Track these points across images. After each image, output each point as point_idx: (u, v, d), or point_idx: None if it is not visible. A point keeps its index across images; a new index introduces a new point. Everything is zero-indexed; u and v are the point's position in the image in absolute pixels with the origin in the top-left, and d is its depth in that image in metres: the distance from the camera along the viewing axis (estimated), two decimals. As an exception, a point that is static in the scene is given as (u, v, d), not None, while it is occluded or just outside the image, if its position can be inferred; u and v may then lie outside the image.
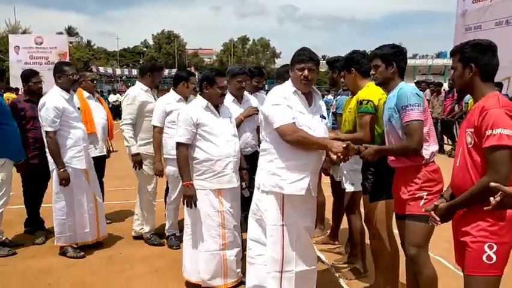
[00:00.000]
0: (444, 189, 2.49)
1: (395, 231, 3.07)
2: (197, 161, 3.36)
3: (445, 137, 11.41)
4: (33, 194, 4.68)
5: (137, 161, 4.40)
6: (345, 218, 4.10)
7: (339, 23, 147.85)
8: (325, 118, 3.01)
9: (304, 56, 2.85)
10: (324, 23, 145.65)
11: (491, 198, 1.83)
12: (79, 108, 4.35)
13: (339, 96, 4.11)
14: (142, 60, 58.39)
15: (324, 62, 5.52)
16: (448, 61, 38.60)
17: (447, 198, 2.32)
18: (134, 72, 33.14)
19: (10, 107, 4.42)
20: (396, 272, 3.18)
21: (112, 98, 21.82)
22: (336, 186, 4.17)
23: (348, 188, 3.66)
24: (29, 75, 4.64)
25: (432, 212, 2.27)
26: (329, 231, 4.69)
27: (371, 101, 3.11)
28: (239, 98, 4.07)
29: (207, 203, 3.35)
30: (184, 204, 3.38)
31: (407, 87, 2.76)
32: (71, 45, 42.93)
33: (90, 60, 51.45)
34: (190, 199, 3.31)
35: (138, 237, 4.62)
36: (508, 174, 1.97)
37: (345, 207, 3.89)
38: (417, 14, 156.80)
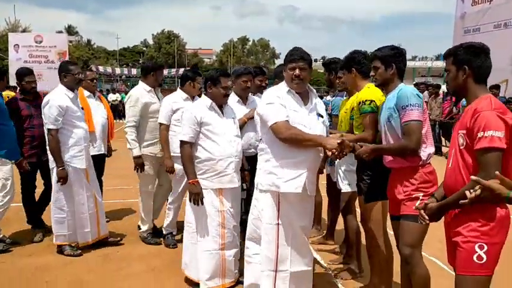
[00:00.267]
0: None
1: (390, 231, 3.09)
2: (199, 160, 3.37)
3: (444, 139, 11.44)
4: (32, 192, 4.68)
5: (139, 163, 4.41)
6: (340, 218, 4.11)
7: (339, 23, 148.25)
8: (322, 116, 3.00)
9: (296, 56, 2.88)
10: (324, 23, 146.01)
11: (467, 192, 1.85)
12: (82, 108, 4.36)
13: (334, 98, 4.12)
14: (141, 59, 58.34)
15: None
16: (447, 63, 38.46)
17: (437, 198, 2.35)
18: (134, 71, 32.97)
19: (7, 105, 4.38)
20: (390, 272, 3.20)
21: (111, 97, 21.67)
22: (331, 187, 4.17)
23: (345, 188, 3.67)
24: (22, 74, 4.58)
25: (422, 211, 2.30)
26: (325, 232, 4.71)
27: (373, 101, 3.13)
28: (244, 99, 4.02)
29: (207, 202, 3.36)
30: (190, 201, 3.39)
31: (407, 88, 2.78)
32: (70, 44, 42.85)
33: (90, 59, 51.46)
34: (196, 196, 3.32)
35: (135, 236, 4.64)
36: None
37: (342, 208, 3.90)
38: (417, 15, 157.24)
